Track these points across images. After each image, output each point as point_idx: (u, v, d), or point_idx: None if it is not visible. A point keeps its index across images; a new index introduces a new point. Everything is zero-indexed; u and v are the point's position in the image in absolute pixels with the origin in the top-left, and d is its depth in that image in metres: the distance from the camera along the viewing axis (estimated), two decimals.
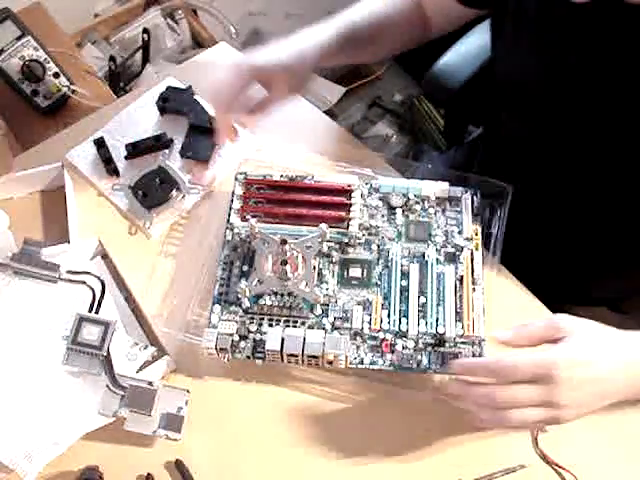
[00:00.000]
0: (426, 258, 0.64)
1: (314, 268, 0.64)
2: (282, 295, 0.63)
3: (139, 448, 0.60)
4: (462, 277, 0.63)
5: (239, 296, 0.62)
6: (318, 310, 0.62)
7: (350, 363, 0.60)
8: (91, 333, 0.60)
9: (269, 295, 0.63)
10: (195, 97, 0.82)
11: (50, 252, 0.68)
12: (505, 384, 0.51)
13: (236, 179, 0.70)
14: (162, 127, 0.81)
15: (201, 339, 0.61)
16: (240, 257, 0.67)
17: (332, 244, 0.66)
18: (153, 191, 0.74)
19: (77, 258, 0.70)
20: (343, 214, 0.66)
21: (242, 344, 0.61)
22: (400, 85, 1.75)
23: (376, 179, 0.70)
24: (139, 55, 1.32)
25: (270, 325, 0.62)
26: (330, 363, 0.59)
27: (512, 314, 0.65)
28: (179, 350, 0.64)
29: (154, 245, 0.73)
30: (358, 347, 0.61)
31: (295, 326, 0.62)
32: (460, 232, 0.66)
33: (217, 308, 0.64)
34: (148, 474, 0.58)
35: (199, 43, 1.44)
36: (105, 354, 0.59)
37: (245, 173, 0.70)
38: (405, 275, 0.64)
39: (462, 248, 0.65)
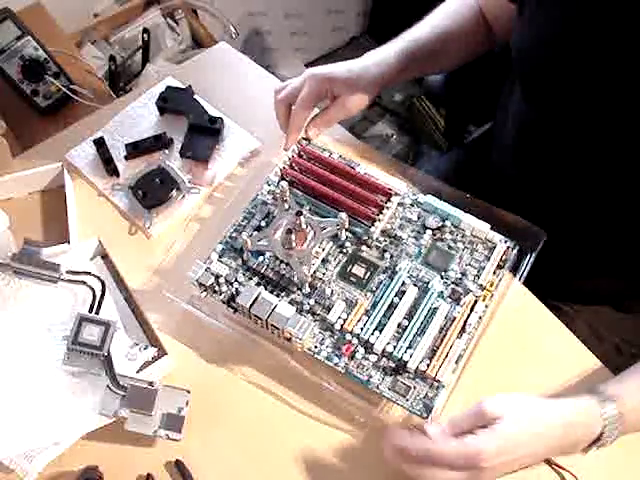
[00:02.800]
0: (429, 287, 0.63)
1: (322, 250, 0.65)
2: (281, 262, 0.64)
3: (139, 448, 0.60)
4: (455, 319, 0.60)
5: (244, 247, 0.64)
6: (307, 289, 0.63)
7: (309, 349, 0.60)
8: (91, 333, 0.60)
9: (271, 257, 0.64)
10: (195, 97, 0.82)
11: (50, 252, 0.68)
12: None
13: (298, 142, 0.72)
14: (162, 127, 0.81)
15: (203, 311, 0.63)
16: (264, 213, 0.68)
17: (351, 236, 0.66)
18: (153, 191, 0.74)
19: (77, 258, 0.70)
20: (373, 214, 0.66)
21: (224, 288, 0.63)
22: (400, 85, 1.75)
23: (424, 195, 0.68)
24: (139, 55, 1.32)
25: (258, 284, 0.64)
26: (288, 340, 0.60)
27: (513, 314, 0.65)
28: (180, 350, 0.65)
29: (154, 245, 0.73)
30: (323, 339, 0.61)
31: (279, 295, 0.63)
32: (477, 276, 0.63)
33: (219, 247, 0.66)
34: (148, 474, 0.58)
35: (199, 43, 1.44)
36: (105, 354, 0.59)
37: (309, 140, 0.72)
38: (401, 294, 0.62)
39: (469, 292, 0.62)
